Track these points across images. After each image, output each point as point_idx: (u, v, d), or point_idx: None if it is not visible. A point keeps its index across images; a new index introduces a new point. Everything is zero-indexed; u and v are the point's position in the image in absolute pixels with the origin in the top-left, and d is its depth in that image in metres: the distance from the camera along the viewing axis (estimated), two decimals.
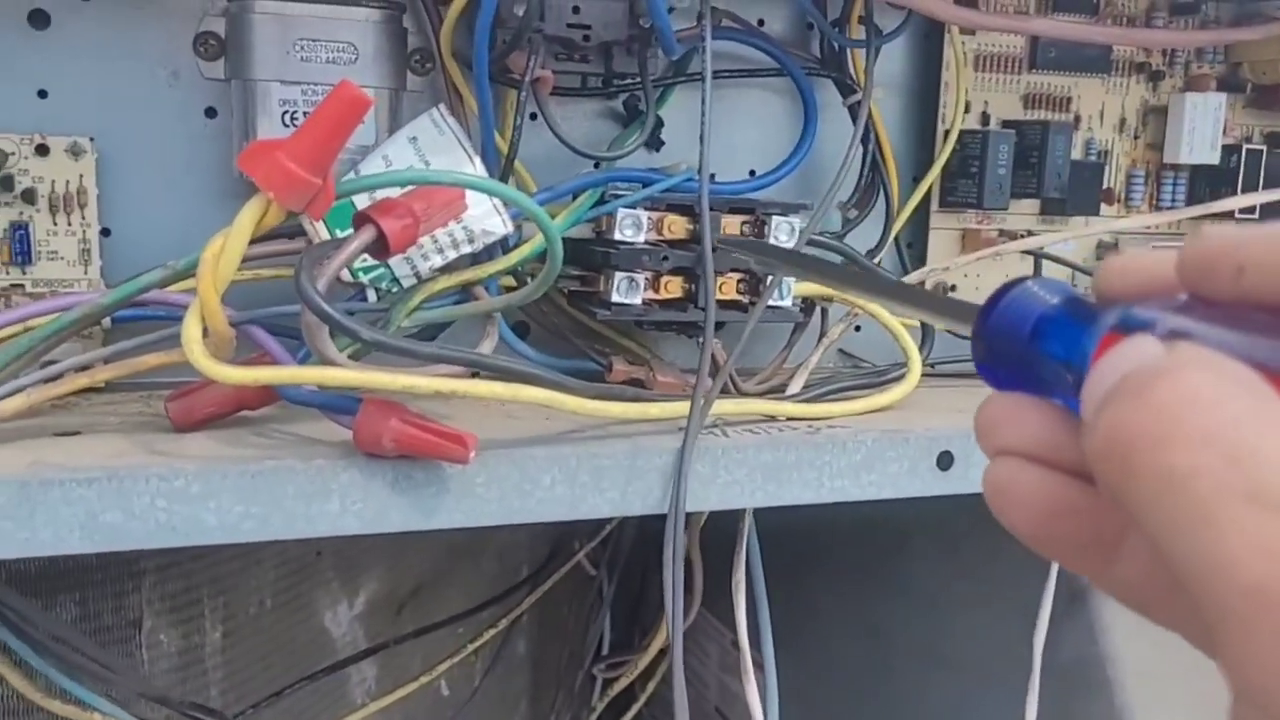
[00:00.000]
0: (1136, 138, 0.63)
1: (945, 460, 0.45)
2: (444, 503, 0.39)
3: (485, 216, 0.44)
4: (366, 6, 0.46)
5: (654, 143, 0.55)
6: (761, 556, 0.51)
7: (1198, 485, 0.16)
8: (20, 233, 0.45)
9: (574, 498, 0.40)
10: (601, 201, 0.48)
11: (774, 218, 0.48)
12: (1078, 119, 0.62)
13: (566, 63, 0.48)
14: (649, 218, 0.47)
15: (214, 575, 0.65)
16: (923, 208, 0.60)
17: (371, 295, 0.45)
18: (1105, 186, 0.63)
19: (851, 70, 0.56)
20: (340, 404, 0.38)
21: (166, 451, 0.38)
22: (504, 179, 0.46)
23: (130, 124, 0.48)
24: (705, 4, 0.46)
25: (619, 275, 0.46)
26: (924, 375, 0.51)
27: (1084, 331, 0.20)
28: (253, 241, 0.37)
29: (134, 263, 0.45)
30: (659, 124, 0.54)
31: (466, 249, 0.45)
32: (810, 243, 0.51)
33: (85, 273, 0.47)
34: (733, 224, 0.48)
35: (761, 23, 0.56)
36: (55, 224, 0.46)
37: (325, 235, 0.43)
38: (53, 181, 0.46)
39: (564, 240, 0.44)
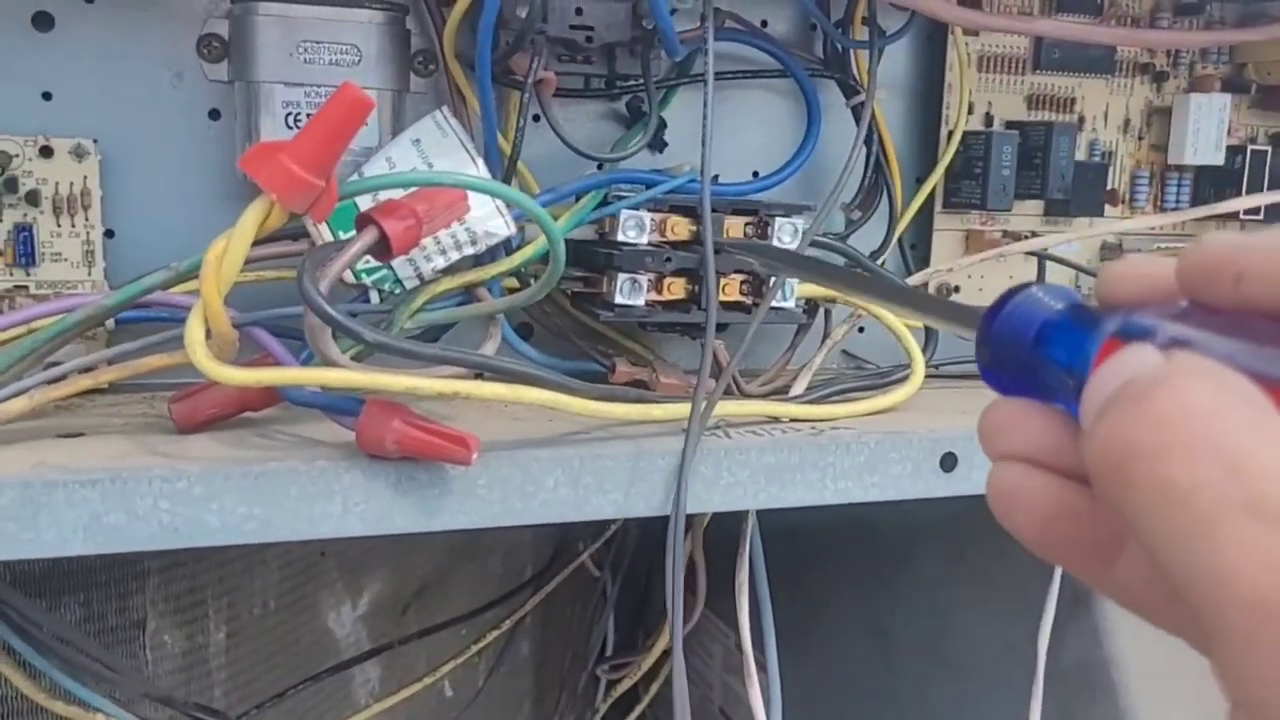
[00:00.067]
0: (1141, 139, 0.63)
1: (949, 462, 0.45)
2: (447, 504, 0.39)
3: (488, 218, 0.44)
4: (369, 8, 0.46)
5: (657, 144, 0.55)
6: (765, 557, 0.51)
7: (1196, 496, 0.16)
8: (24, 234, 0.45)
9: (577, 499, 0.40)
10: (604, 203, 0.48)
11: (777, 219, 0.48)
12: (1082, 120, 0.62)
13: (569, 64, 0.48)
14: (652, 219, 0.47)
15: (218, 576, 0.65)
16: (926, 209, 0.60)
17: (374, 297, 0.45)
18: (1109, 187, 0.63)
19: (855, 71, 0.56)
20: (343, 405, 0.38)
21: (169, 453, 0.38)
22: (507, 180, 0.46)
23: (134, 126, 0.48)
24: (708, 5, 0.46)
25: (622, 277, 0.46)
26: (927, 376, 0.51)
27: (1087, 338, 0.20)
28: (256, 243, 0.37)
29: (138, 264, 0.45)
30: (662, 125, 0.54)
31: (469, 250, 0.45)
32: (813, 244, 0.51)
33: (89, 274, 0.47)
34: (736, 225, 0.48)
35: (765, 24, 0.56)
36: (59, 226, 0.46)
37: (328, 237, 0.43)
38: (56, 183, 0.46)
39: (567, 242, 0.44)
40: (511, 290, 0.48)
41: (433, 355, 0.39)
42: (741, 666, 0.50)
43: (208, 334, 0.37)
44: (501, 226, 0.45)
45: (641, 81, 0.49)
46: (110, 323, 0.44)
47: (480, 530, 0.39)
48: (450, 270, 0.45)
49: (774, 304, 0.48)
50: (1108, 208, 0.63)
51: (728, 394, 0.47)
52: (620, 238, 0.46)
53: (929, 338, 0.55)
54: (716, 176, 0.52)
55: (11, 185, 0.45)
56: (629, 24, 0.47)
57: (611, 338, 0.52)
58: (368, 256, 0.38)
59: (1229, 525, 0.16)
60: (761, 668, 0.51)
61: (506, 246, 0.46)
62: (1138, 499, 0.17)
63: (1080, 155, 0.61)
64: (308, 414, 0.41)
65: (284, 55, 0.45)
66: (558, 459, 0.40)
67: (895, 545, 0.69)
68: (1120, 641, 0.55)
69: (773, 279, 0.48)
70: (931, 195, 0.59)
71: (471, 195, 0.41)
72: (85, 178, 0.46)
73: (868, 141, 0.55)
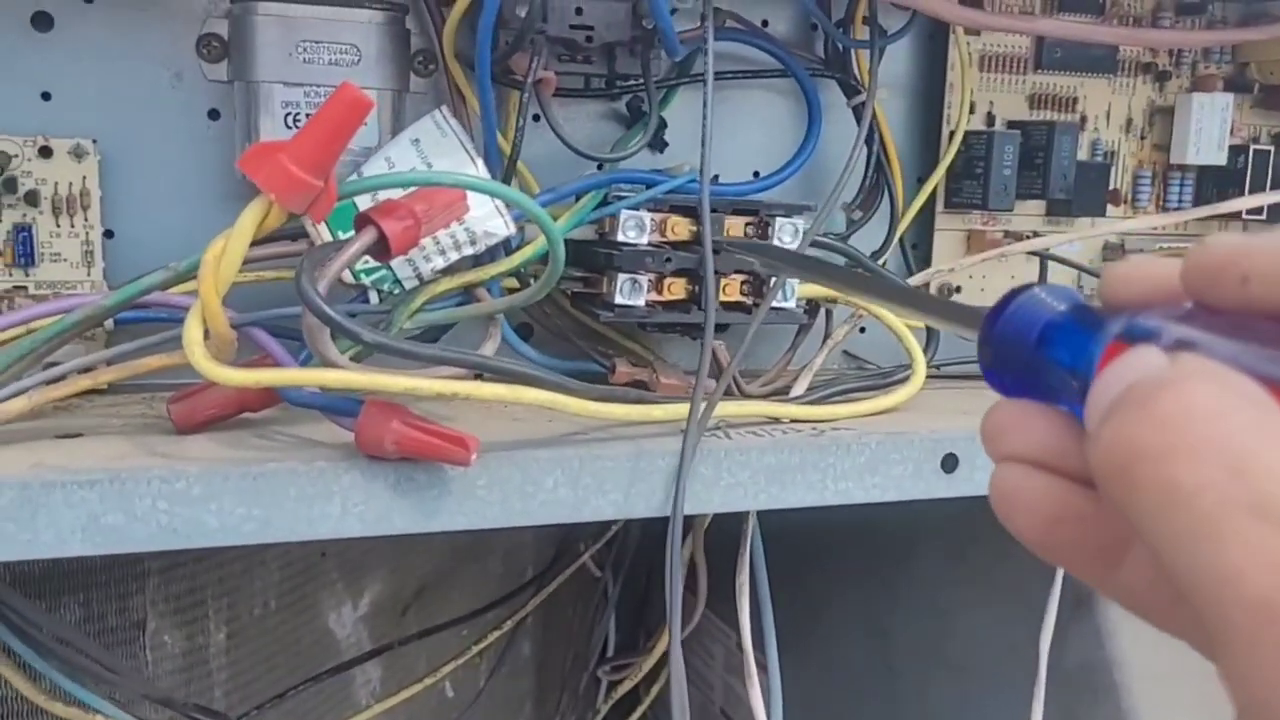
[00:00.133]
0: (1143, 138, 0.63)
1: (950, 463, 0.45)
2: (446, 505, 0.38)
3: (487, 218, 0.44)
4: (369, 8, 0.46)
5: (657, 144, 0.54)
6: (766, 557, 0.51)
7: (1201, 499, 0.16)
8: (23, 235, 0.45)
9: (576, 500, 0.40)
10: (604, 203, 0.48)
11: (778, 219, 0.48)
12: (1084, 119, 0.62)
13: (569, 64, 0.48)
14: (652, 219, 0.47)
15: (218, 576, 0.65)
16: (928, 209, 0.60)
17: (374, 297, 0.45)
18: (1112, 187, 0.63)
19: (856, 71, 0.56)
20: (342, 406, 0.38)
21: (168, 453, 0.37)
22: (506, 180, 0.46)
23: (133, 126, 0.48)
24: (708, 5, 0.46)
25: (622, 277, 0.46)
26: (929, 377, 0.51)
27: (1090, 339, 0.20)
28: (255, 243, 0.37)
29: (137, 264, 0.45)
30: (662, 125, 0.54)
31: (469, 250, 0.45)
32: (814, 244, 0.51)
33: (88, 274, 0.47)
34: (736, 225, 0.48)
35: (765, 23, 0.56)
36: (58, 226, 0.46)
37: (327, 237, 0.43)
38: (55, 183, 0.46)
39: (567, 242, 0.44)
40: (511, 290, 0.48)
41: (431, 356, 0.39)
42: (742, 667, 0.50)
43: (206, 334, 0.37)
44: (501, 226, 0.44)
45: (641, 81, 0.49)
46: (109, 323, 0.44)
47: (481, 530, 0.39)
48: (449, 270, 0.45)
49: (775, 304, 0.48)
50: (1110, 208, 0.63)
51: (728, 394, 0.47)
52: (620, 238, 0.46)
53: (930, 338, 0.55)
54: (717, 176, 0.52)
55: (11, 185, 0.45)
56: (629, 24, 0.46)
57: (612, 338, 0.52)
58: (367, 257, 0.38)
59: (1234, 527, 0.16)
60: (762, 668, 0.51)
61: (506, 247, 0.46)
62: (1142, 501, 0.17)
63: (1082, 155, 0.61)
64: (307, 414, 0.41)
65: (283, 55, 0.45)
66: (557, 460, 0.40)
67: (897, 546, 0.69)
68: (1122, 643, 0.55)
69: (773, 279, 0.48)
70: (933, 195, 0.59)
71: (471, 195, 0.41)
72: (84, 178, 0.46)
73: (868, 141, 0.55)
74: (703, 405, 0.42)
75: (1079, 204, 0.61)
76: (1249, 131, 0.65)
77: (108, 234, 0.48)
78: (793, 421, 0.46)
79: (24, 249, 0.45)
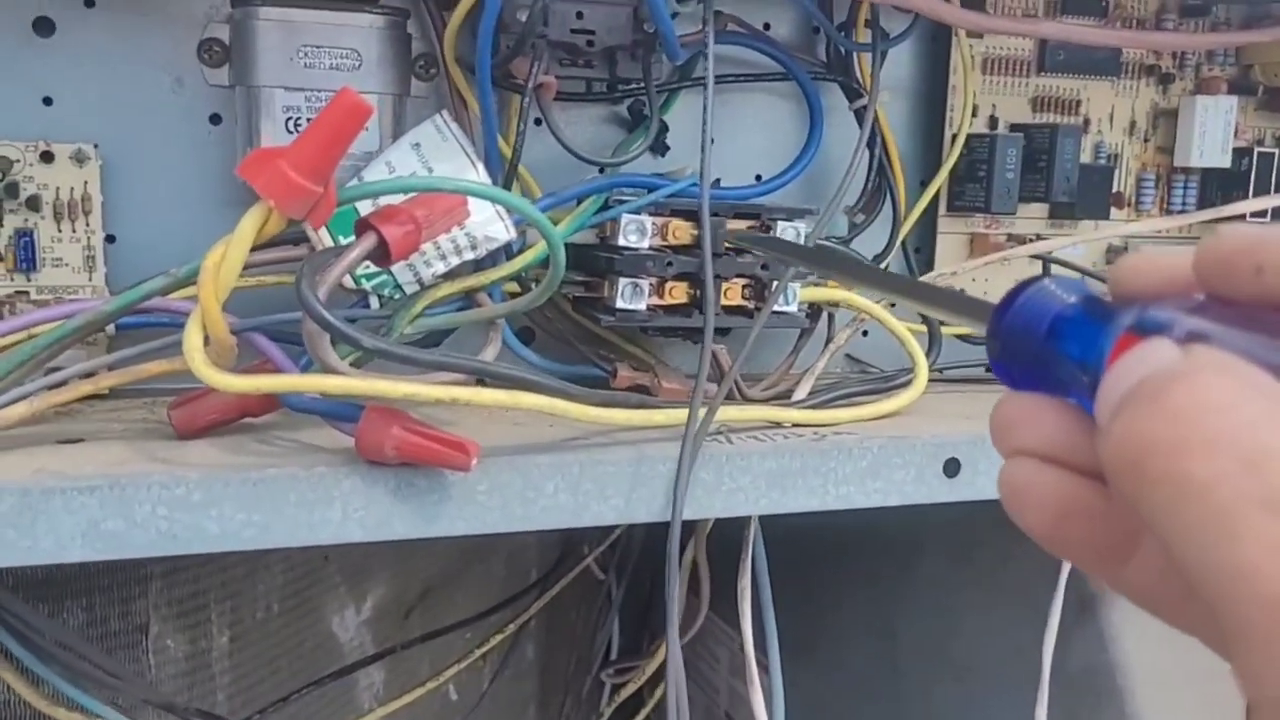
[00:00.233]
0: (1146, 141, 0.63)
1: (952, 467, 0.45)
2: (446, 510, 0.38)
3: (488, 222, 0.44)
4: (370, 12, 0.46)
5: (659, 147, 0.54)
6: (770, 560, 0.50)
7: (1215, 493, 0.16)
8: (25, 240, 0.45)
9: (577, 505, 0.40)
10: (606, 207, 0.48)
11: (779, 222, 0.48)
12: (1087, 122, 0.62)
13: (571, 68, 0.48)
14: (653, 223, 0.47)
15: (221, 580, 0.65)
16: (930, 212, 0.59)
17: (374, 302, 0.45)
18: (1115, 190, 0.62)
19: (858, 74, 0.56)
20: (342, 411, 0.38)
21: (168, 459, 0.37)
22: (508, 184, 0.46)
23: (135, 131, 0.48)
24: (708, 9, 0.46)
25: (623, 281, 0.46)
26: (931, 380, 0.51)
27: (1100, 331, 0.20)
28: (255, 248, 0.37)
29: (139, 269, 0.45)
30: (664, 129, 0.54)
31: (469, 255, 0.45)
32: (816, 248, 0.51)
33: (90, 279, 0.47)
34: (738, 230, 0.48)
35: (767, 27, 0.56)
36: (60, 231, 0.46)
37: (328, 242, 0.43)
38: (57, 188, 0.46)
39: (568, 246, 0.44)
40: (512, 295, 0.48)
41: (431, 361, 0.39)
42: (744, 670, 0.50)
43: (206, 340, 0.37)
44: (501, 231, 0.44)
45: (643, 85, 0.49)
46: (111, 328, 0.44)
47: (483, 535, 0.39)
48: (450, 275, 0.45)
49: (776, 308, 0.48)
50: (1113, 210, 0.62)
51: (730, 399, 0.47)
52: (621, 242, 0.46)
53: (932, 342, 0.55)
54: (718, 180, 0.52)
55: (12, 190, 0.45)
56: (630, 28, 0.46)
57: (614, 342, 0.52)
58: (367, 262, 0.38)
59: (1248, 521, 0.15)
60: (763, 668, 0.50)
61: (507, 251, 0.46)
62: (1155, 495, 0.17)
63: (1085, 158, 0.61)
64: (308, 419, 0.41)
65: (284, 60, 0.45)
66: (558, 465, 0.40)
67: (902, 548, 0.69)
68: (1126, 646, 0.55)
69: (775, 283, 0.48)
70: (935, 198, 0.59)
71: (471, 200, 0.41)
72: (86, 183, 0.46)
73: (870, 144, 0.55)
74: (702, 410, 0.42)
75: (1082, 207, 0.60)
76: (1253, 134, 0.64)
77: (109, 239, 0.48)
78: (794, 426, 0.46)
79: (25, 254, 0.45)
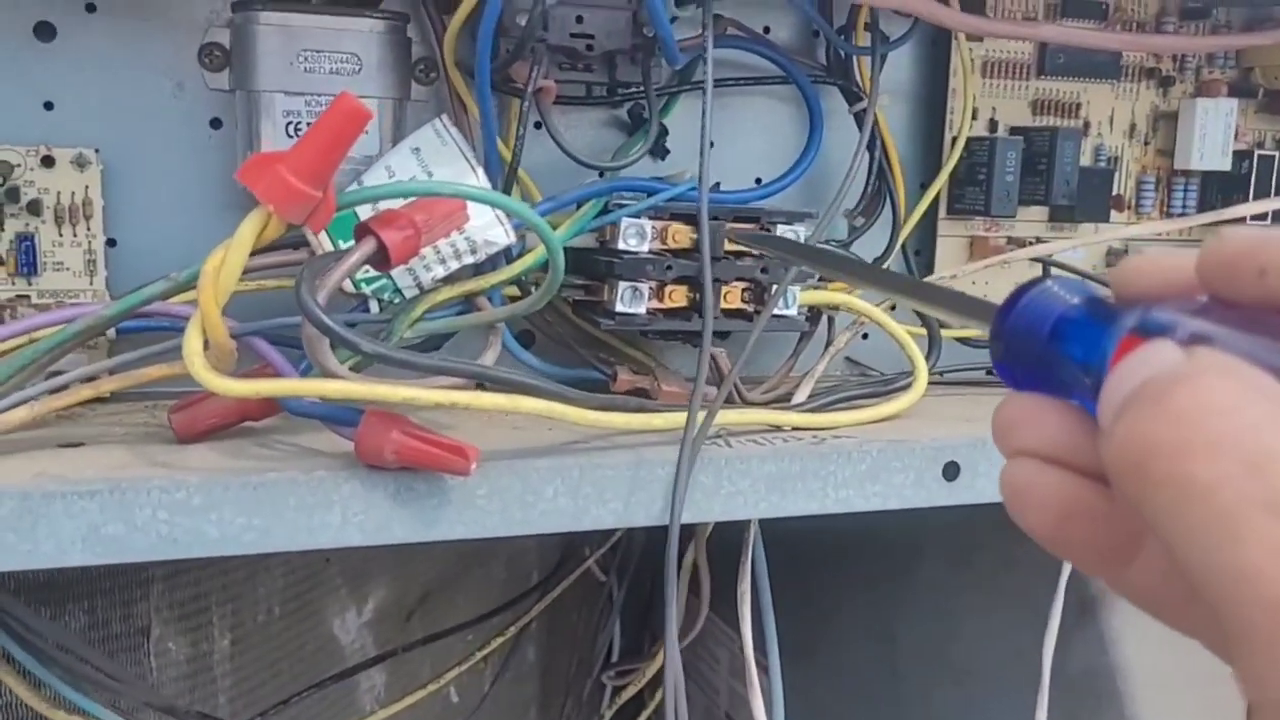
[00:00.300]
0: (1147, 144, 0.63)
1: (951, 471, 0.45)
2: (446, 514, 0.39)
3: (488, 227, 0.44)
4: (370, 17, 0.46)
5: (659, 151, 0.54)
6: (771, 562, 0.50)
7: (1218, 495, 0.16)
8: (26, 244, 0.46)
9: (576, 509, 0.40)
10: (605, 211, 0.48)
11: (779, 226, 0.48)
12: (1087, 125, 0.62)
13: (570, 72, 0.48)
14: (653, 227, 0.47)
15: (222, 583, 0.65)
16: (930, 215, 0.60)
17: (374, 306, 0.45)
18: (1115, 193, 0.62)
19: (858, 77, 0.56)
20: (342, 415, 0.38)
21: (169, 463, 0.38)
22: (507, 188, 0.46)
23: (135, 135, 0.48)
24: (707, 14, 0.46)
25: (623, 285, 0.46)
26: (931, 384, 0.51)
27: (1103, 333, 0.20)
28: (255, 252, 0.37)
29: (140, 273, 0.45)
30: (663, 132, 0.54)
31: (469, 259, 0.45)
32: None
33: (91, 283, 0.47)
34: (740, 228, 0.48)
35: (767, 30, 0.56)
36: (61, 235, 0.46)
37: (329, 246, 0.43)
38: (58, 193, 0.46)
39: (568, 250, 0.44)
40: (512, 299, 0.48)
41: (430, 366, 0.39)
42: (744, 672, 0.50)
43: (206, 344, 0.37)
44: (501, 235, 0.45)
45: (642, 89, 0.49)
46: (112, 332, 0.45)
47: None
48: (450, 279, 0.45)
49: (776, 311, 0.48)
50: (1113, 213, 0.63)
51: (729, 402, 0.47)
52: (621, 246, 0.46)
53: (932, 345, 0.55)
54: (718, 184, 0.52)
55: (13, 195, 0.45)
56: (629, 32, 0.47)
57: (614, 345, 0.52)
58: (367, 266, 0.38)
59: (1251, 524, 0.15)
60: (763, 668, 0.51)
61: (507, 255, 0.46)
62: (1158, 497, 0.17)
63: (1085, 161, 0.61)
64: (308, 423, 0.41)
65: (284, 64, 0.45)
66: (557, 469, 0.40)
67: (902, 551, 0.69)
68: (1126, 649, 0.55)
69: (775, 286, 0.48)
70: (935, 201, 0.59)
71: (471, 204, 0.41)
72: (87, 187, 0.46)
73: (870, 148, 0.55)
74: (701, 415, 0.42)
75: (1082, 210, 0.60)
76: (1253, 136, 0.64)
77: (110, 243, 0.48)
78: (794, 429, 0.46)
79: (27, 258, 0.46)
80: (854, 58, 0.56)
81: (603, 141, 0.54)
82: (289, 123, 0.45)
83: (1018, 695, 0.55)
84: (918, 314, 0.55)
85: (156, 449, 0.40)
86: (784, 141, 0.57)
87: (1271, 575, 0.15)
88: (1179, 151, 0.62)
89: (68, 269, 0.46)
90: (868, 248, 0.56)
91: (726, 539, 0.54)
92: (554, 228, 0.45)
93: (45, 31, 0.46)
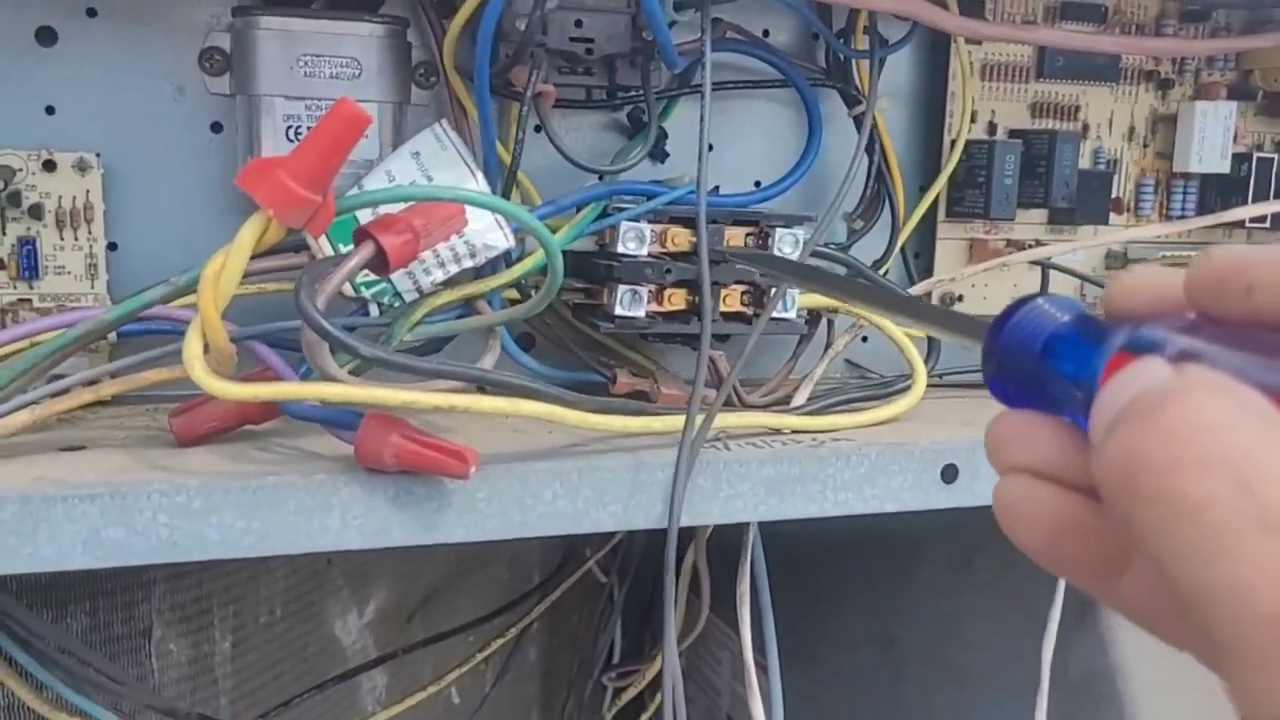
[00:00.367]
0: (1146, 146, 0.63)
1: (950, 473, 0.45)
2: (445, 518, 0.39)
3: (487, 230, 0.44)
4: (370, 22, 0.46)
5: (659, 154, 0.55)
6: (771, 564, 0.51)
7: (1208, 512, 0.16)
8: (27, 248, 0.46)
9: (576, 512, 0.40)
10: (605, 214, 0.48)
11: (778, 229, 0.48)
12: (1086, 128, 0.62)
13: (570, 76, 0.48)
14: (652, 230, 0.47)
15: (224, 585, 0.65)
16: (929, 218, 0.60)
17: (374, 310, 0.45)
18: (1114, 196, 0.62)
19: (857, 81, 0.56)
20: (342, 419, 0.38)
21: (169, 467, 0.38)
22: (507, 192, 0.46)
23: (136, 139, 0.48)
24: (706, 18, 0.46)
25: (622, 288, 0.46)
26: (930, 386, 0.51)
27: (1094, 350, 0.20)
28: (256, 256, 0.37)
29: (141, 277, 0.45)
30: (663, 135, 0.54)
31: (468, 263, 0.45)
32: (815, 254, 0.51)
33: (92, 287, 0.47)
34: (737, 236, 0.48)
35: (766, 34, 0.56)
36: (62, 239, 0.46)
37: (328, 249, 0.43)
38: (60, 197, 0.46)
39: (568, 253, 0.45)
40: (512, 302, 0.48)
41: (429, 369, 0.39)
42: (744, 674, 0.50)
43: (206, 348, 0.37)
44: (500, 239, 0.45)
45: (642, 92, 0.49)
46: (113, 336, 0.45)
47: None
48: (450, 283, 0.45)
49: (775, 314, 0.48)
50: (1112, 216, 0.63)
51: (728, 405, 0.47)
52: (620, 249, 0.46)
53: (932, 347, 0.55)
54: (717, 187, 0.53)
55: (15, 199, 0.45)
56: (629, 36, 0.47)
57: (613, 348, 0.52)
58: (366, 270, 0.38)
59: (1241, 540, 0.16)
60: (762, 670, 0.51)
61: (506, 259, 0.46)
62: (1148, 513, 0.17)
63: (1084, 163, 0.61)
64: (307, 427, 0.41)
65: (285, 68, 0.45)
66: (556, 472, 0.40)
67: (902, 554, 0.69)
68: (1125, 652, 0.55)
69: (774, 289, 0.48)
70: (935, 204, 0.59)
71: (470, 208, 0.41)
72: (88, 191, 0.46)
73: (869, 151, 0.55)
74: (700, 417, 0.42)
75: (1081, 213, 0.60)
76: (1253, 139, 0.64)
77: (111, 246, 0.48)
78: (793, 432, 0.46)
79: (28, 262, 0.46)
80: (853, 61, 0.56)
81: (602, 145, 0.54)
82: (289, 127, 0.46)
83: (1017, 697, 0.55)
84: None
85: (157, 452, 0.40)
86: (783, 145, 0.58)
87: (1261, 591, 0.15)
88: (1178, 154, 0.62)
89: (69, 273, 0.47)
90: (867, 251, 0.56)
91: (727, 540, 0.54)
92: (553, 231, 0.45)
93: (47, 36, 0.46)
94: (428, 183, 0.44)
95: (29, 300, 0.46)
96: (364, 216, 0.41)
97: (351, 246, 0.38)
